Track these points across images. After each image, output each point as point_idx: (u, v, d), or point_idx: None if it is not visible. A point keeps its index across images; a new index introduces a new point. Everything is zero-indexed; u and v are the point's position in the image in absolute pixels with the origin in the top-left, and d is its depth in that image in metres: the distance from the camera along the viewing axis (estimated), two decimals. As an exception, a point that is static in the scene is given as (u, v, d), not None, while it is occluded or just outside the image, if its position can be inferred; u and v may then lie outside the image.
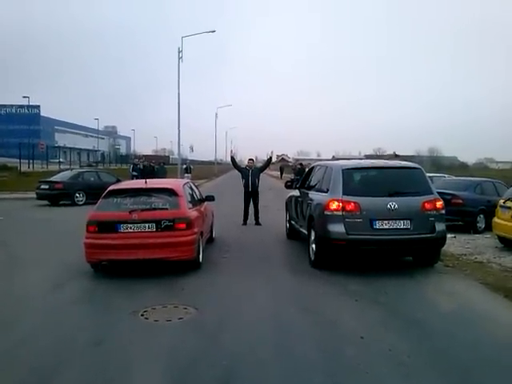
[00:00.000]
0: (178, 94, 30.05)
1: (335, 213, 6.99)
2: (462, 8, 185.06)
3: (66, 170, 25.88)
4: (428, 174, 15.92)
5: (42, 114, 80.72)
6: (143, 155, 56.40)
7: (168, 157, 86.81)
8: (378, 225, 6.91)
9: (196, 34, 30.54)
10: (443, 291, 6.36)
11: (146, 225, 6.83)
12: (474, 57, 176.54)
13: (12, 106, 78.67)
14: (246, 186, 12.53)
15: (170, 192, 7.35)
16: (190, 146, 74.92)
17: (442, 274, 7.28)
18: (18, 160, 34.41)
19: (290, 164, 68.53)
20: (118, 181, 19.74)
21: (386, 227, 6.92)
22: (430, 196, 7.28)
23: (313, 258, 7.66)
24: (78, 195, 17.93)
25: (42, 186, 18.11)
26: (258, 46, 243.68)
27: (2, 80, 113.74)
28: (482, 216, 11.80)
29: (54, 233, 11.45)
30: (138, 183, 8.24)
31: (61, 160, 46.40)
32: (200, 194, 9.35)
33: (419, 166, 8.02)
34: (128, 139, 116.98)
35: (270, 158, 13.54)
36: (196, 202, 8.46)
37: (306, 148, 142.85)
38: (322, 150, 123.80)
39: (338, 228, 6.93)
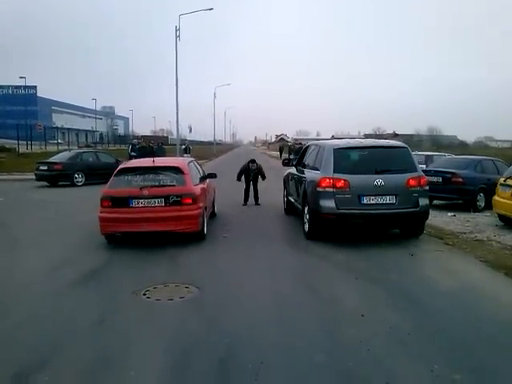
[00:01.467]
0: (176, 73, 29.86)
1: (326, 189, 7.61)
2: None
3: (65, 150, 25.76)
4: (428, 153, 16.23)
5: (38, 94, 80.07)
6: (141, 136, 56.23)
7: (167, 137, 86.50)
8: (365, 200, 7.53)
9: (193, 11, 30.05)
10: (443, 269, 6.38)
11: (156, 200, 7.48)
12: (472, 35, 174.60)
13: (8, 86, 77.82)
14: (247, 180, 12.82)
15: (177, 170, 7.95)
16: (188, 126, 74.39)
17: (441, 252, 7.31)
18: (16, 141, 34.24)
19: (289, 144, 68.51)
20: (117, 161, 19.71)
21: (373, 202, 7.54)
22: (414, 173, 7.80)
23: (307, 231, 8.26)
24: (77, 176, 17.90)
25: (41, 167, 18.03)
26: (258, 24, 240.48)
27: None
28: (482, 194, 11.79)
29: (53, 213, 11.40)
30: (147, 162, 8.58)
31: (59, 141, 46.14)
32: (203, 172, 9.90)
33: (405, 145, 8.47)
34: (126, 120, 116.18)
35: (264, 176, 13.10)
36: (200, 178, 9.02)
37: (305, 127, 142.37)
38: (321, 130, 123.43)
39: (328, 203, 7.55)
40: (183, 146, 31.15)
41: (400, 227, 8.45)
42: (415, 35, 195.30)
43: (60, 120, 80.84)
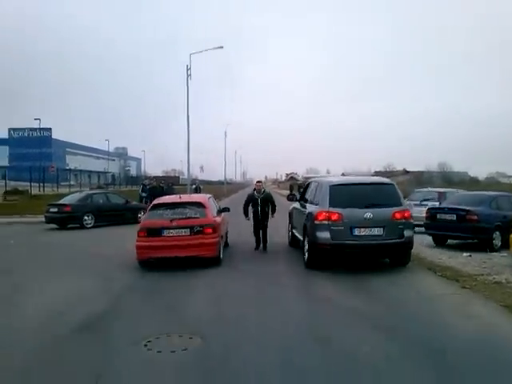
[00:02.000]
0: (187, 111, 30.01)
1: (323, 222, 8.43)
2: (474, 28, 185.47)
3: (77, 192, 25.94)
4: (441, 189, 15.90)
5: (53, 136, 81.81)
6: (153, 176, 56.66)
7: (178, 177, 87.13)
8: (356, 232, 8.32)
9: (204, 50, 30.32)
10: (463, 315, 6.04)
11: (183, 230, 8.89)
12: (483, 76, 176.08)
13: (24, 129, 79.88)
14: (255, 213, 11.28)
15: (199, 204, 9.47)
16: (200, 165, 75.31)
17: (459, 296, 6.97)
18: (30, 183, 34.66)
19: (299, 182, 68.94)
20: (127, 202, 19.77)
21: (363, 234, 8.33)
22: (399, 207, 8.63)
23: (306, 261, 9.10)
24: (86, 218, 17.81)
25: (51, 210, 18.04)
26: (269, 64, 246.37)
27: (13, 104, 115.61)
28: (498, 233, 11.32)
29: (58, 257, 11.27)
30: (175, 198, 10.51)
31: (72, 183, 46.69)
32: (219, 206, 11.40)
33: (392, 182, 9.50)
34: (138, 160, 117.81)
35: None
36: (217, 212, 10.37)
37: (315, 165, 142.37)
38: (331, 167, 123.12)
39: (324, 235, 8.37)
40: (193, 186, 31.20)
41: (388, 257, 9.30)
42: (426, 71, 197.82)
43: (74, 161, 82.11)
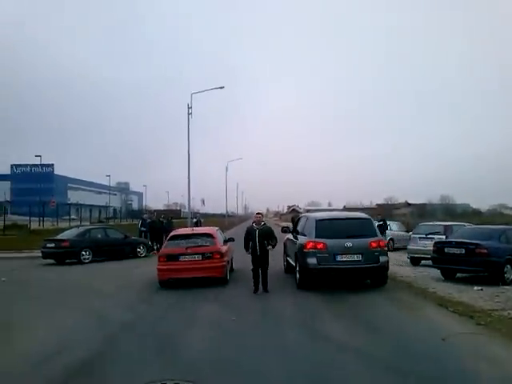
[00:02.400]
0: (188, 149, 30.21)
1: (310, 250, 10.06)
2: (473, 59, 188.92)
3: (76, 226, 25.61)
4: (447, 223, 15.55)
5: (55, 172, 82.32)
6: (154, 210, 56.38)
7: (180, 210, 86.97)
8: (339, 258, 9.93)
9: (205, 90, 30.94)
10: (482, 357, 5.56)
11: (196, 256, 10.74)
12: (481, 113, 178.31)
13: (26, 165, 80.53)
14: (253, 248, 10.20)
15: (209, 235, 11.48)
16: (201, 199, 74.96)
17: (476, 335, 6.50)
18: (29, 218, 34.42)
19: (301, 215, 68.59)
20: (126, 237, 19.44)
21: (345, 259, 9.93)
22: (375, 237, 10.32)
23: (297, 282, 10.63)
24: (84, 253, 17.38)
25: (48, 245, 17.59)
26: (270, 100, 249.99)
27: (16, 141, 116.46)
28: (509, 266, 10.95)
29: (52, 295, 10.84)
30: (188, 230, 13.40)
31: (73, 217, 46.40)
32: (225, 237, 13.25)
33: (368, 217, 11.22)
34: (140, 194, 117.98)
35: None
36: (223, 241, 12.25)
37: (317, 198, 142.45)
38: (333, 200, 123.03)
39: (312, 260, 9.98)
40: (194, 220, 30.90)
41: (367, 278, 10.92)
42: (425, 106, 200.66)
43: (75, 196, 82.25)
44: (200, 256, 10.69)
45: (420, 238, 15.04)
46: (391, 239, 21.80)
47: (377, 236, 10.39)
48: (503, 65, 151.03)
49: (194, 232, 12.17)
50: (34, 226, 34.90)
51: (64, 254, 17.31)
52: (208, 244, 11.01)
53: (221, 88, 31.12)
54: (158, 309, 8.77)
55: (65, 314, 8.45)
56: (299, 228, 11.90)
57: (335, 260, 9.87)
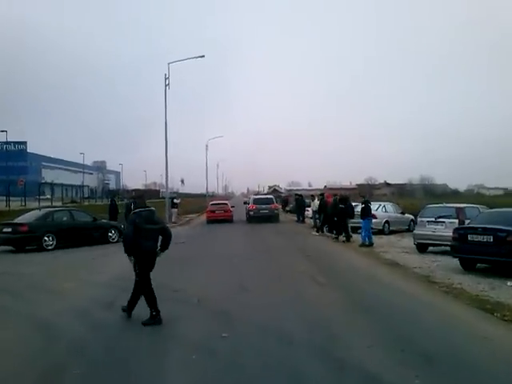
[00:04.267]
0: (165, 123, 27.90)
1: (251, 209, 28.86)
2: (456, 34, 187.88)
3: (48, 207, 23.29)
4: (459, 205, 13.85)
5: (29, 150, 78.41)
6: (132, 190, 53.78)
7: (158, 190, 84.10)
8: (261, 212, 28.35)
9: (183, 59, 28.56)
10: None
11: (221, 211, 29.43)
12: (466, 91, 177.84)
13: (-2, 142, 76.32)
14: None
15: (225, 204, 32.10)
16: (180, 178, 72.61)
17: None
18: (4, 198, 31.82)
19: (283, 195, 67.97)
20: (95, 220, 17.21)
21: (262, 212, 28.31)
22: (273, 204, 29.64)
23: (246, 219, 29.04)
24: (46, 239, 15.19)
25: (5, 229, 15.24)
26: (250, 75, 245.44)
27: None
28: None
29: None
30: (217, 200, 38.56)
31: (48, 197, 43.62)
32: (232, 205, 33.09)
33: (271, 196, 33.81)
34: (118, 174, 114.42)
35: None
36: (231, 206, 31.42)
37: (297, 178, 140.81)
38: (313, 180, 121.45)
39: (251, 213, 28.53)
40: (175, 200, 29.00)
41: (271, 219, 27.68)
42: (409, 87, 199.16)
43: (50, 175, 78.77)
44: (222, 211, 28.91)
45: (428, 221, 13.30)
46: (386, 222, 20.11)
47: (274, 203, 29.36)
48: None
49: (219, 202, 33.73)
50: (1, 206, 32.25)
51: (23, 240, 15.06)
52: (226, 204, 30.93)
53: (201, 57, 28.74)
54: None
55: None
56: (248, 200, 32.15)
57: (260, 212, 27.55)
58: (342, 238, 17.15)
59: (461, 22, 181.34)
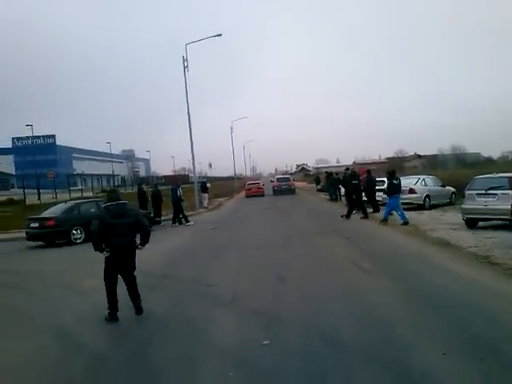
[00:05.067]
0: (188, 106, 27.20)
1: (275, 185, 40.60)
2: (487, 8, 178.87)
3: (77, 199, 23.03)
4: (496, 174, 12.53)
5: (58, 143, 79.47)
6: (162, 176, 53.91)
7: (187, 175, 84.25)
8: (281, 187, 39.54)
9: (201, 39, 27.39)
10: None
11: (256, 188, 40.96)
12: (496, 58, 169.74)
13: (27, 137, 77.44)
14: None
15: (258, 182, 44.76)
16: (208, 162, 72.45)
17: None
18: (36, 190, 31.87)
19: (311, 173, 67.74)
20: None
21: (282, 187, 39.37)
22: (291, 181, 42.14)
23: (272, 193, 39.04)
24: (74, 232, 14.82)
25: (32, 224, 14.94)
26: (274, 54, 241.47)
27: (14, 113, 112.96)
28: None
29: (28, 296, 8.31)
30: (254, 180, 55.24)
31: (81, 187, 43.95)
32: (263, 184, 45.59)
33: (288, 176, 51.83)
34: (147, 161, 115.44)
35: None
36: (262, 184, 44.27)
37: (325, 155, 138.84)
38: (341, 156, 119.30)
39: (275, 188, 39.91)
40: (200, 184, 28.33)
41: (290, 193, 38.52)
42: (436, 51, 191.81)
43: (81, 167, 79.88)
44: (256, 188, 40.24)
45: (478, 194, 12.10)
46: (427, 196, 18.93)
47: (291, 181, 41.32)
48: None
49: (253, 182, 45.01)
50: (33, 199, 32.48)
51: (50, 234, 14.69)
52: (258, 184, 42.14)
53: (218, 36, 27.56)
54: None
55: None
56: (274, 179, 46.08)
57: (281, 188, 38.38)
58: (360, 214, 16.84)
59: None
